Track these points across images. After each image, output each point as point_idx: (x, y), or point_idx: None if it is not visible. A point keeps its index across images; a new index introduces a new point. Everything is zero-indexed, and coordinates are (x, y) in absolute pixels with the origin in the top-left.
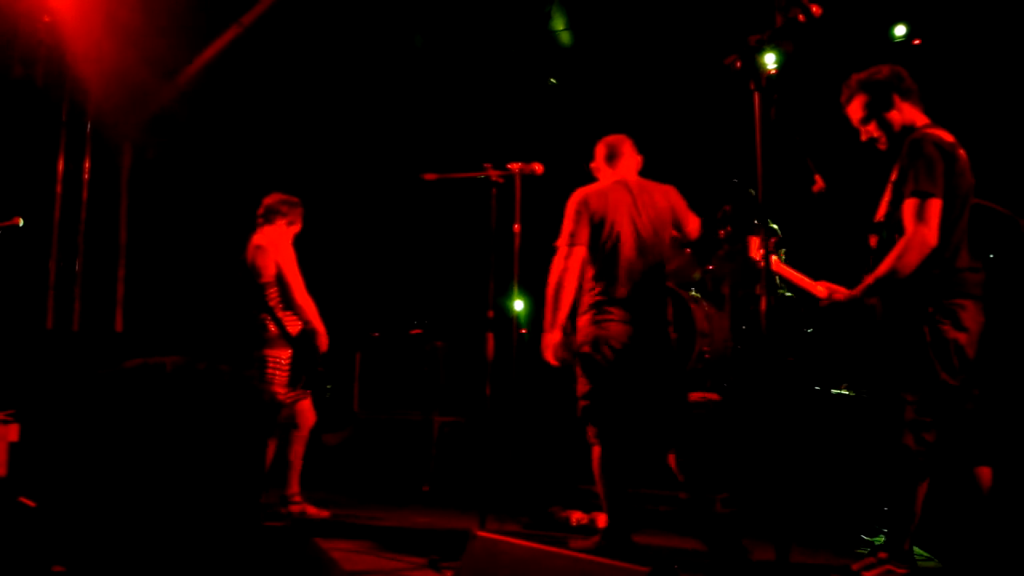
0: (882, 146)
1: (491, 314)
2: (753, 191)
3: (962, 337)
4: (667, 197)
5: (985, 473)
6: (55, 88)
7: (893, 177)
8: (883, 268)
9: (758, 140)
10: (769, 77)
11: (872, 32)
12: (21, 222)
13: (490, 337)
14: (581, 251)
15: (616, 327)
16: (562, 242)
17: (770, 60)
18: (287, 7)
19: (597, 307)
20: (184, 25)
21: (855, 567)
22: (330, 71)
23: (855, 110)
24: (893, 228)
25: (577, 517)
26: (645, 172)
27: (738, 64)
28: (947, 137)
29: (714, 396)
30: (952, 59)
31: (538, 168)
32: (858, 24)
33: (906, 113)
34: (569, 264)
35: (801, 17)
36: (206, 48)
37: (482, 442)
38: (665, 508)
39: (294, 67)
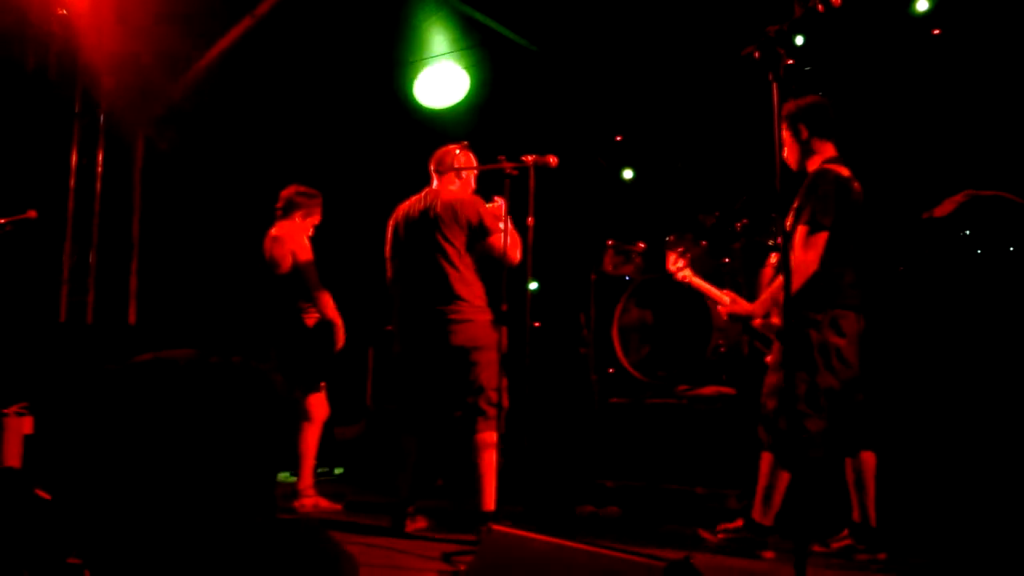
0: (793, 168)
1: (505, 307)
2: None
3: (842, 342)
4: (449, 210)
5: (869, 458)
6: (68, 81)
7: (795, 204)
8: (774, 288)
9: (776, 132)
10: (787, 68)
11: (892, 14)
12: (35, 215)
13: (504, 330)
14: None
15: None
16: None
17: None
18: None
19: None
20: (197, 17)
21: (719, 527)
22: (344, 62)
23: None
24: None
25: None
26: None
27: (756, 55)
28: (844, 172)
29: (729, 390)
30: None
31: (552, 160)
32: (876, 10)
33: (815, 145)
34: None
35: (820, 7)
36: (219, 40)
37: (497, 436)
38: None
39: (308, 58)
